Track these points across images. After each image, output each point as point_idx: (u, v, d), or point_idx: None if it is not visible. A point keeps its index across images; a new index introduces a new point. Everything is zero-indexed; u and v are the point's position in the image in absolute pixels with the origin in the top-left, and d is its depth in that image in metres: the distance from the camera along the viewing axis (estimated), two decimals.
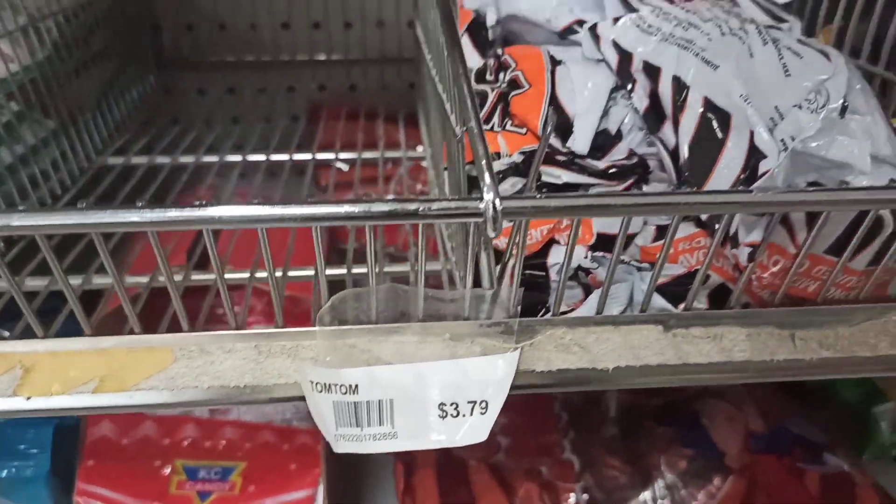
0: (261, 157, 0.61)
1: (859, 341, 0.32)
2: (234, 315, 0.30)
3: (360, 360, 0.30)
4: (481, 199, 0.25)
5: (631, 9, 0.38)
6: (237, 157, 0.61)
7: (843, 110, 0.33)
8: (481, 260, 0.29)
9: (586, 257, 0.34)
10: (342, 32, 0.78)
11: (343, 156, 0.62)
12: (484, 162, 0.26)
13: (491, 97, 0.39)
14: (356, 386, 0.30)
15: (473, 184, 0.36)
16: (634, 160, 0.35)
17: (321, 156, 0.62)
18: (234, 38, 0.78)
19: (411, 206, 0.26)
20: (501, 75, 0.39)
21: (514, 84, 0.38)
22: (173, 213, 0.25)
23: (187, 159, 0.60)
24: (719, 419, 0.60)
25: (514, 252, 0.29)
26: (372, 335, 0.31)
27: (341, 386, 0.29)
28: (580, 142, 0.34)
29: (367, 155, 0.62)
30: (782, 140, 0.31)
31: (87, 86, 0.62)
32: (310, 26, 0.77)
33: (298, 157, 0.61)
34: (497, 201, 0.25)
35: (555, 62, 0.37)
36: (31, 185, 0.50)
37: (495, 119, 0.38)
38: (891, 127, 0.35)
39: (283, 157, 0.61)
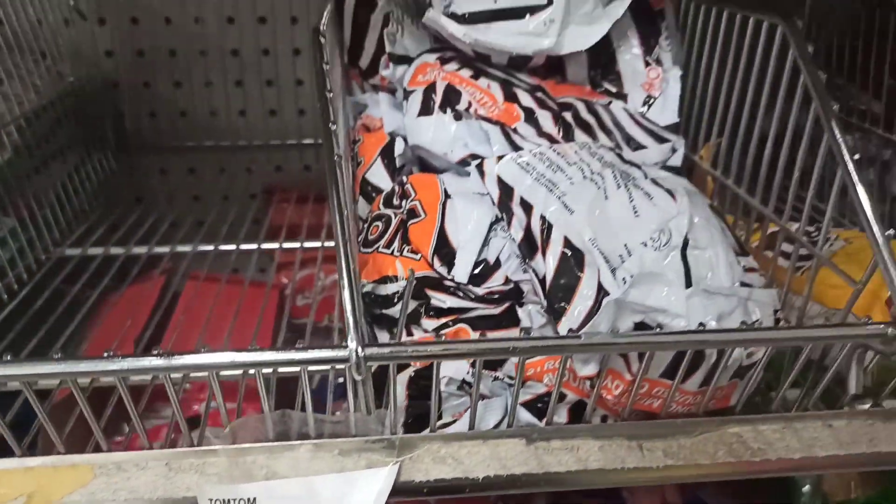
0: (209, 248, 0.66)
1: (699, 450, 0.37)
2: (145, 435, 0.35)
3: (260, 476, 0.35)
4: (346, 346, 0.31)
5: (514, 146, 0.44)
6: (188, 248, 0.66)
7: (685, 246, 0.39)
8: (359, 388, 0.34)
9: (468, 373, 0.39)
10: (296, 119, 0.84)
11: (286, 245, 0.67)
12: (350, 309, 0.32)
13: (394, 222, 0.44)
14: (254, 499, 0.34)
15: (377, 301, 0.41)
16: (510, 286, 0.40)
17: (266, 245, 0.67)
18: (194, 125, 0.84)
19: (293, 356, 0.31)
20: (404, 202, 0.45)
21: (412, 213, 0.43)
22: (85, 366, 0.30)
23: (140, 250, 0.65)
24: (639, 492, 0.65)
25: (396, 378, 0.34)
26: (269, 452, 0.35)
27: (240, 500, 0.34)
28: (460, 272, 0.39)
29: (308, 244, 0.67)
30: (623, 279, 0.36)
31: (47, 180, 0.67)
32: (266, 114, 0.84)
33: (245, 246, 0.67)
34: (360, 350, 0.30)
35: (447, 195, 0.43)
36: None
37: (395, 244, 0.43)
38: (734, 255, 0.41)
39: (230, 246, 0.66)
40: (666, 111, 0.52)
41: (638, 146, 0.50)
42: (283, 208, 0.78)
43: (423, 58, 0.50)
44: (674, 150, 0.51)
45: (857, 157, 0.37)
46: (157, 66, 0.80)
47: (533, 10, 0.47)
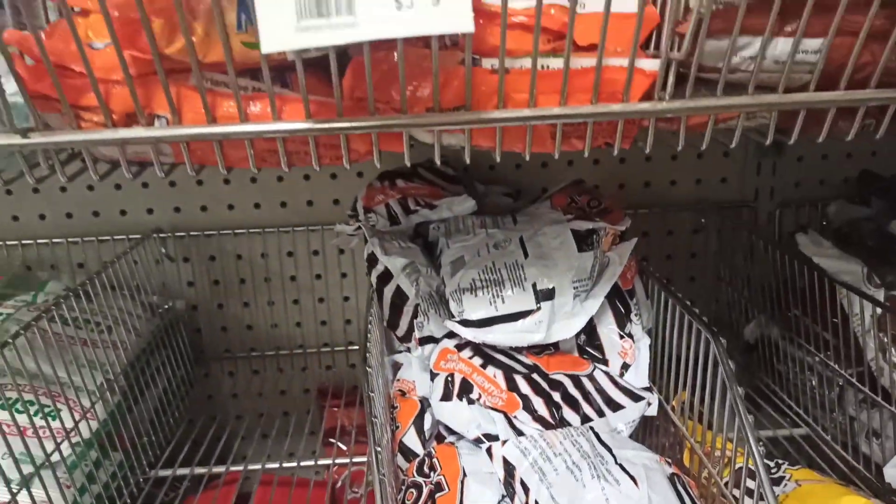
0: (274, 465, 0.81)
1: None
2: None
3: None
4: None
5: (516, 430, 0.58)
6: (257, 466, 0.81)
7: None
8: None
9: None
10: (343, 327, 1.01)
11: (339, 461, 0.82)
12: None
13: (425, 492, 0.58)
14: None
15: None
16: None
17: (322, 461, 0.82)
18: (258, 336, 1.01)
19: None
20: (432, 474, 0.59)
21: (438, 486, 0.57)
22: None
23: (219, 469, 0.81)
24: None
25: None
26: None
27: None
28: None
29: (357, 458, 0.81)
30: None
31: (143, 409, 0.84)
32: (318, 324, 1.00)
33: (304, 463, 0.81)
34: None
35: (465, 473, 0.57)
36: None
37: None
38: None
39: (292, 464, 0.81)
40: (639, 376, 0.65)
41: (618, 407, 0.63)
42: (335, 413, 0.93)
43: (444, 343, 0.66)
44: (649, 404, 0.64)
45: (760, 438, 0.50)
46: (230, 292, 0.99)
47: (526, 314, 0.62)
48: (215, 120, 0.42)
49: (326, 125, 0.42)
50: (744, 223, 0.97)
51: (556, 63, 0.43)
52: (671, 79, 0.43)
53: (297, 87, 0.43)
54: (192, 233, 0.93)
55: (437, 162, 0.46)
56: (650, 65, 0.43)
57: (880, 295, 0.69)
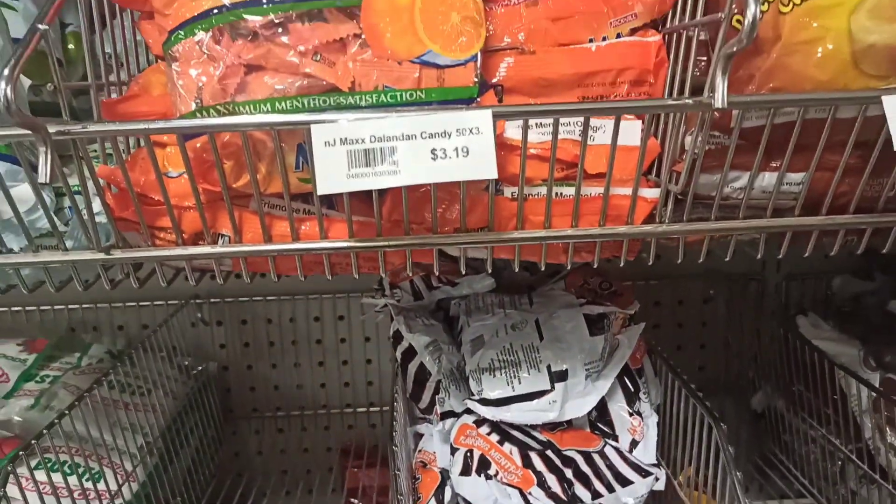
0: None
1: None
2: None
3: None
4: None
5: None
6: None
7: None
8: None
9: None
10: (365, 388, 1.07)
11: None
12: None
13: None
14: None
15: None
16: None
17: None
18: (284, 395, 1.07)
19: None
20: None
21: None
22: None
23: None
24: None
25: None
26: None
27: None
28: None
29: None
30: None
31: (176, 468, 0.90)
32: (341, 385, 1.06)
33: None
34: None
35: None
36: None
37: None
38: None
39: None
40: (647, 452, 0.71)
41: (627, 482, 0.68)
42: (356, 474, 0.98)
43: (463, 418, 0.71)
44: (656, 479, 0.69)
45: None
46: (259, 353, 1.05)
47: (541, 394, 0.68)
48: (271, 238, 0.48)
49: (367, 244, 0.48)
50: (751, 295, 1.02)
51: (569, 191, 0.50)
52: (670, 205, 0.49)
53: (341, 207, 0.50)
54: (226, 299, 1.00)
55: (463, 272, 0.52)
56: (651, 193, 0.49)
57: (876, 377, 0.74)
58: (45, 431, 0.67)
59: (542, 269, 0.52)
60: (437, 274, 0.52)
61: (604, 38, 0.52)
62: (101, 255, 0.47)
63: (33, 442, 0.66)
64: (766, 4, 0.46)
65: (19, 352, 0.92)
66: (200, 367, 1.00)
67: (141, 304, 0.99)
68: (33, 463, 0.68)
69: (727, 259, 0.53)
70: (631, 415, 0.72)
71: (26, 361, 0.90)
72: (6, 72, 0.38)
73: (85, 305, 0.99)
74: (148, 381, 0.87)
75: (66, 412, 0.70)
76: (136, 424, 0.83)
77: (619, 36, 0.52)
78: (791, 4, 0.45)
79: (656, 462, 0.71)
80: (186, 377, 0.97)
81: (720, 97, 0.41)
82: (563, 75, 0.51)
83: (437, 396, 0.73)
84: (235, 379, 1.07)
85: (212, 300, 1.00)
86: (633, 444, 0.71)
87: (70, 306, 0.99)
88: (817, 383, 0.79)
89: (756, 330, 0.96)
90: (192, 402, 0.96)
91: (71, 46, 0.69)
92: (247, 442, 1.09)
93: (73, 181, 0.49)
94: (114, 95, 0.57)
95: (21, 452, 0.65)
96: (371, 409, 1.07)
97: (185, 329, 1.00)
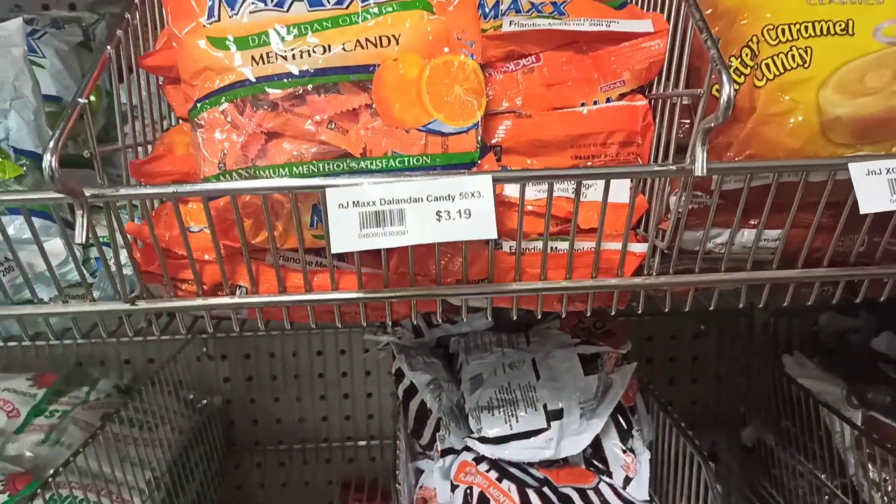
0: None
1: None
2: None
3: None
4: None
5: None
6: None
7: None
8: None
9: None
10: (366, 421, 1.09)
11: None
12: None
13: None
14: None
15: None
16: None
17: None
18: (286, 428, 1.10)
19: None
20: None
21: None
22: None
23: None
24: None
25: None
26: None
27: None
28: None
29: None
30: None
31: (184, 502, 0.92)
32: (342, 419, 1.09)
33: None
34: None
35: None
36: None
37: None
38: None
39: None
40: (640, 488, 0.74)
41: None
42: None
43: (463, 455, 0.75)
44: None
45: None
46: (262, 387, 1.08)
47: (537, 432, 0.71)
48: (285, 290, 0.52)
49: (375, 294, 0.52)
50: (741, 330, 1.06)
51: (563, 245, 0.54)
52: (657, 259, 0.53)
53: (351, 260, 0.54)
54: (231, 333, 1.04)
55: (464, 319, 0.56)
56: (640, 248, 0.53)
57: (859, 414, 0.78)
58: (60, 469, 0.70)
59: (539, 317, 0.56)
60: (440, 321, 0.56)
61: (595, 103, 0.57)
62: (127, 306, 0.51)
63: (50, 479, 0.69)
64: (742, 77, 0.51)
65: (29, 386, 0.95)
66: (205, 401, 1.03)
67: (147, 338, 1.02)
68: (47, 496, 0.71)
69: (711, 307, 0.57)
70: (624, 452, 0.75)
71: (36, 396, 0.93)
72: (51, 144, 0.42)
73: (93, 340, 1.02)
74: (156, 416, 0.90)
75: (81, 449, 0.73)
76: (145, 460, 0.86)
77: (608, 100, 0.57)
78: (765, 79, 0.49)
79: (649, 498, 0.74)
80: (192, 411, 1.00)
81: (700, 165, 0.45)
82: (557, 137, 0.55)
83: (437, 434, 0.76)
84: (239, 412, 1.10)
85: (217, 335, 1.04)
86: (627, 480, 0.74)
87: (78, 341, 1.02)
88: (803, 420, 0.83)
89: (745, 366, 0.99)
90: (197, 435, 0.98)
91: (93, 98, 0.74)
92: (249, 475, 1.12)
93: (100, 231, 0.52)
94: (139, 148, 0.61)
95: (39, 490, 0.68)
96: (371, 441, 1.10)
97: (190, 363, 1.03)
